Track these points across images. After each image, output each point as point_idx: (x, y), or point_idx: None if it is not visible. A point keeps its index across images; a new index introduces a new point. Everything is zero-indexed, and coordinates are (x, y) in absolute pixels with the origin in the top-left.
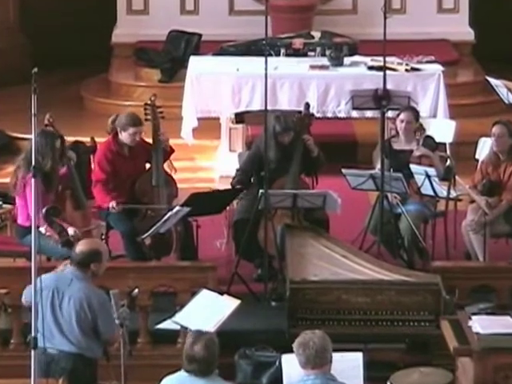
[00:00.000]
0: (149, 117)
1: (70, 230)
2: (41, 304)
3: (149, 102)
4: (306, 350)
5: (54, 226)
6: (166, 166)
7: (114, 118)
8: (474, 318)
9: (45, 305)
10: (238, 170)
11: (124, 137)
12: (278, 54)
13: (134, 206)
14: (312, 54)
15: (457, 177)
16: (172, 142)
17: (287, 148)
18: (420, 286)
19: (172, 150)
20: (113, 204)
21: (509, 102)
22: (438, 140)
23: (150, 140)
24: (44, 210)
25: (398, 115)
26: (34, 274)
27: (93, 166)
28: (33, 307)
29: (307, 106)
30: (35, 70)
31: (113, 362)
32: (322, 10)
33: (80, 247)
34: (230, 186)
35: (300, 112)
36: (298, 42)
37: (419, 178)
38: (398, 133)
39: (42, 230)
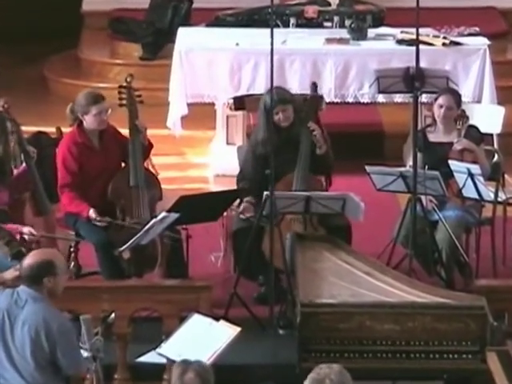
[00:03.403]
0: (124, 102)
1: (25, 230)
2: None
3: (124, 84)
4: None
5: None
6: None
7: (71, 106)
8: None
9: None
10: (239, 173)
11: (89, 121)
12: (286, 25)
13: (117, 221)
14: (328, 24)
15: (506, 175)
16: (155, 133)
17: (289, 133)
18: (461, 309)
19: (150, 146)
20: (92, 214)
21: None
22: (483, 130)
23: (125, 131)
24: None
25: (436, 100)
26: None
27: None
28: None
29: (314, 86)
30: None
31: None
32: None
33: (27, 260)
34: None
35: (306, 95)
36: (311, 10)
37: (460, 177)
38: (434, 121)
39: None
